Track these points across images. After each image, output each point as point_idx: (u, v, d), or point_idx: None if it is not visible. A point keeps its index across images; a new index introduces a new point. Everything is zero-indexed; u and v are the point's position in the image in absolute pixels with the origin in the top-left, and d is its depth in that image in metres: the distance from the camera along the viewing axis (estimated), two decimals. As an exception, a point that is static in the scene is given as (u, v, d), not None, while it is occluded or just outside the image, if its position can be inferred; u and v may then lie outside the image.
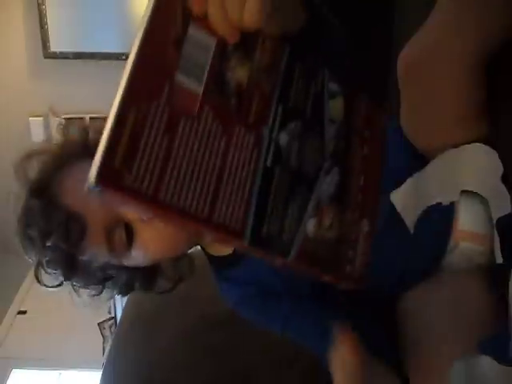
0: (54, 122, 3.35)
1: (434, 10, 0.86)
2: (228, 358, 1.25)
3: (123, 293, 0.95)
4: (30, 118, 3.37)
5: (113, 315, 3.06)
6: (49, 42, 3.17)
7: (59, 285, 0.90)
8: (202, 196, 0.48)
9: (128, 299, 1.55)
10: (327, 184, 0.57)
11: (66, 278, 0.88)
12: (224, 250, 0.96)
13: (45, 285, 0.91)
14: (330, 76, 0.60)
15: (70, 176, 0.86)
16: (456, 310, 0.83)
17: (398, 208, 0.90)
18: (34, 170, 0.89)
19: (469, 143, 0.88)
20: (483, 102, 0.87)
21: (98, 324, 3.11)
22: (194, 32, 0.51)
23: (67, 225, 0.80)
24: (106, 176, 0.42)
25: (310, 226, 0.55)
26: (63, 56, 3.22)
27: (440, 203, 0.90)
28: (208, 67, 0.51)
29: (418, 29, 0.88)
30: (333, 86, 0.60)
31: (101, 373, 2.74)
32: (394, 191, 0.92)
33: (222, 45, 0.52)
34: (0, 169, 3.51)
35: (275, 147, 0.54)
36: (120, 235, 0.82)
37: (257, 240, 0.51)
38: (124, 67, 0.47)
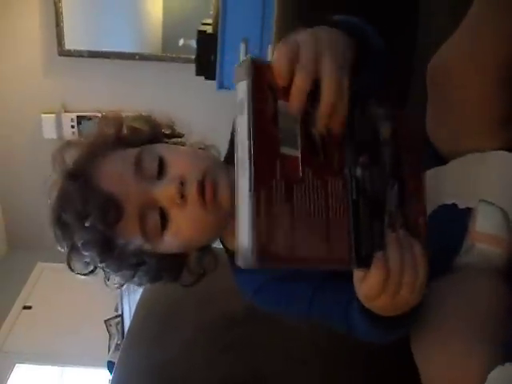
0: (66, 119, 3.37)
1: (468, 18, 0.87)
2: (245, 355, 1.25)
3: (151, 281, 0.97)
4: (43, 115, 3.40)
5: (120, 313, 3.06)
6: (64, 39, 3.19)
7: (92, 271, 0.93)
8: (321, 241, 0.59)
9: (141, 296, 1.56)
10: (392, 197, 0.68)
11: (102, 260, 0.89)
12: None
13: (78, 272, 0.93)
14: (376, 102, 0.68)
15: (107, 161, 0.89)
16: (471, 304, 0.84)
17: None
18: (70, 158, 0.91)
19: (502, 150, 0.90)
20: (509, 113, 0.89)
21: (105, 321, 3.12)
22: (281, 105, 0.59)
23: (104, 206, 0.83)
24: (260, 254, 0.52)
25: (389, 233, 0.65)
26: (78, 54, 3.25)
27: (456, 204, 0.91)
28: (298, 132, 0.60)
29: (442, 33, 0.89)
30: (380, 111, 0.69)
31: (105, 370, 2.78)
32: None
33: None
34: (12, 164, 3.56)
35: (355, 181, 0.64)
36: (154, 219, 0.85)
37: (360, 261, 0.62)
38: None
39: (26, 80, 3.34)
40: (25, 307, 3.52)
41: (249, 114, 0.56)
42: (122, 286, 0.98)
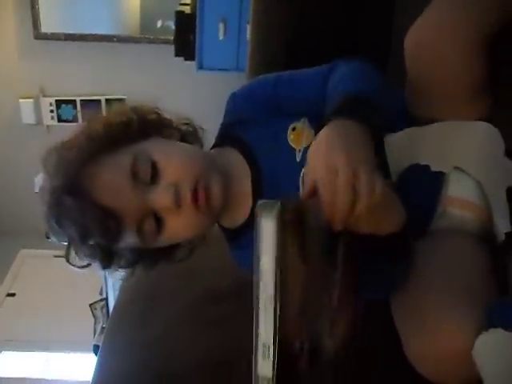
0: (45, 103, 3.33)
1: None
2: (230, 331, 1.26)
3: (149, 269, 1.00)
4: (21, 100, 3.35)
5: (104, 296, 3.06)
6: (40, 22, 3.14)
7: (88, 265, 0.94)
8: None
9: (124, 276, 1.56)
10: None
11: (105, 268, 0.93)
12: (236, 219, 1.00)
13: (76, 266, 0.94)
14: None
15: (101, 172, 0.89)
16: (448, 267, 0.86)
17: (387, 150, 0.94)
18: (61, 164, 0.90)
19: (474, 119, 0.92)
20: (486, 81, 0.91)
21: (90, 305, 3.12)
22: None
23: (104, 223, 0.84)
24: None
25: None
26: (54, 37, 3.20)
27: (428, 166, 0.93)
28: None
29: (419, 5, 0.91)
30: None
31: (90, 354, 2.78)
32: (389, 134, 0.95)
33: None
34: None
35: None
36: (150, 225, 0.88)
37: None
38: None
39: (1, 65, 3.28)
40: (8, 294, 3.51)
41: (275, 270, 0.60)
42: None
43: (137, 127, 0.95)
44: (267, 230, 0.61)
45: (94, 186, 0.87)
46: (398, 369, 0.84)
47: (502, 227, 0.88)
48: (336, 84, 0.92)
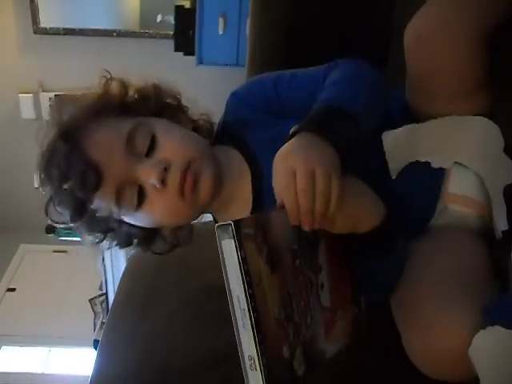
0: (44, 98, 3.33)
1: None
2: (229, 327, 1.27)
3: (121, 246, 1.00)
4: (20, 95, 3.34)
5: (104, 291, 3.06)
6: (39, 17, 3.13)
7: (65, 223, 0.95)
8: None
9: (124, 271, 1.56)
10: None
11: (72, 221, 0.93)
12: (234, 216, 0.97)
13: (52, 220, 0.96)
14: None
15: (100, 129, 0.90)
16: (449, 260, 0.87)
17: (386, 148, 0.94)
18: (67, 114, 0.93)
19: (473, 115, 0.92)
20: (485, 77, 0.90)
21: (89, 300, 3.12)
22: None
23: (85, 173, 0.86)
24: None
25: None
26: (54, 32, 3.19)
27: (429, 163, 0.93)
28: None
29: (420, 1, 0.90)
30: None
31: (91, 349, 2.79)
32: (386, 131, 0.95)
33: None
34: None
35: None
36: (131, 195, 0.88)
37: None
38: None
39: (1, 60, 3.27)
40: (9, 289, 3.51)
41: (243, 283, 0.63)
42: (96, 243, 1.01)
43: (152, 104, 0.96)
44: (227, 249, 0.64)
45: (89, 140, 0.89)
46: (399, 365, 0.84)
47: (499, 225, 0.88)
48: (322, 90, 0.92)
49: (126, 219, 0.94)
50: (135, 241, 1.00)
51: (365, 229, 0.78)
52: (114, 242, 0.99)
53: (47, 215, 0.95)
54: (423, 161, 0.93)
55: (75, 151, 0.87)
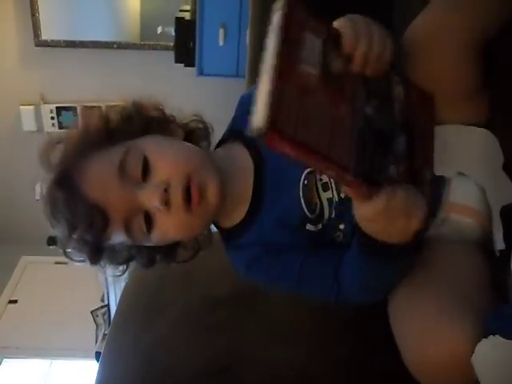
0: (46, 110, 3.34)
1: None
2: (231, 337, 1.26)
3: (146, 267, 0.99)
4: (21, 107, 3.35)
5: (106, 303, 3.06)
6: (40, 29, 3.15)
7: (83, 260, 0.94)
8: (324, 137, 0.67)
9: (126, 283, 1.56)
10: (399, 143, 0.77)
11: (92, 263, 0.92)
12: (235, 219, 0.98)
13: (73, 259, 0.94)
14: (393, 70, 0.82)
15: (91, 166, 0.88)
16: (449, 270, 0.87)
17: None
18: (57, 157, 0.92)
19: (470, 123, 0.93)
20: (480, 85, 0.90)
21: (91, 312, 3.12)
22: (309, 41, 0.71)
23: (90, 217, 0.84)
24: (270, 125, 0.61)
25: (392, 170, 0.73)
26: (55, 44, 3.20)
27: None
28: (320, 61, 0.71)
29: (418, 5, 0.91)
30: (397, 75, 0.83)
31: (92, 361, 2.78)
32: None
33: (326, 48, 0.73)
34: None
35: (364, 117, 0.74)
36: (139, 223, 0.86)
37: (357, 174, 0.68)
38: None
39: (2, 72, 3.29)
40: (10, 301, 3.50)
41: (279, 31, 0.67)
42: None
43: (137, 123, 0.93)
44: (276, 14, 0.69)
45: (83, 180, 0.87)
46: (396, 375, 0.84)
47: (497, 243, 0.88)
48: None
49: (144, 244, 0.92)
50: (158, 258, 0.98)
51: (397, 241, 0.77)
52: (137, 264, 0.99)
53: (68, 257, 0.94)
54: None
55: (73, 197, 0.85)
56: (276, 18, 0.69)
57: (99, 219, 0.84)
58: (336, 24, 0.78)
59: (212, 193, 0.86)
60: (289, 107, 0.64)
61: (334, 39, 0.75)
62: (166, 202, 0.84)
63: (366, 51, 0.75)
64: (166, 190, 0.84)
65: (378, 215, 0.71)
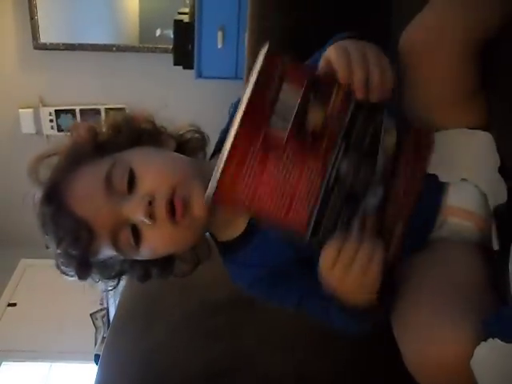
0: (45, 113, 3.33)
1: None
2: (229, 342, 1.27)
3: (141, 281, 0.98)
4: (20, 110, 3.35)
5: (105, 306, 3.05)
6: (39, 33, 3.14)
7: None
8: (282, 203, 0.70)
9: (124, 286, 1.56)
10: (372, 196, 0.74)
11: (81, 278, 0.91)
12: (232, 233, 0.97)
13: (65, 273, 0.93)
14: (387, 113, 0.77)
15: (78, 179, 0.88)
16: (448, 273, 0.87)
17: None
18: (45, 172, 0.91)
19: (467, 127, 0.92)
20: (478, 87, 0.90)
21: (90, 315, 3.12)
22: (285, 91, 0.71)
23: (75, 232, 0.83)
24: (221, 190, 0.66)
25: (356, 222, 0.73)
26: (53, 47, 3.20)
27: (436, 176, 0.91)
28: (292, 119, 0.71)
29: (417, 6, 0.91)
30: (388, 122, 0.77)
31: (92, 364, 2.78)
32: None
33: (304, 100, 0.72)
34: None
35: (336, 172, 0.72)
36: (127, 236, 0.85)
37: (315, 232, 0.70)
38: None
39: (1, 75, 3.29)
40: (9, 304, 3.50)
41: (254, 83, 0.68)
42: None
43: (126, 136, 0.93)
44: (257, 63, 0.71)
45: (69, 195, 0.86)
46: (397, 377, 0.84)
47: (494, 245, 0.88)
48: None
49: (135, 257, 0.91)
50: (154, 272, 0.97)
51: (361, 301, 0.81)
52: (133, 279, 0.98)
53: (63, 273, 0.93)
54: (431, 173, 0.91)
55: (58, 212, 0.85)
56: (258, 62, 0.70)
57: (85, 233, 0.83)
58: (326, 55, 0.78)
59: (197, 205, 0.84)
60: (245, 176, 0.68)
61: (318, 86, 0.74)
62: (151, 215, 0.82)
63: (363, 76, 0.74)
64: (150, 203, 0.82)
65: (331, 264, 0.74)
